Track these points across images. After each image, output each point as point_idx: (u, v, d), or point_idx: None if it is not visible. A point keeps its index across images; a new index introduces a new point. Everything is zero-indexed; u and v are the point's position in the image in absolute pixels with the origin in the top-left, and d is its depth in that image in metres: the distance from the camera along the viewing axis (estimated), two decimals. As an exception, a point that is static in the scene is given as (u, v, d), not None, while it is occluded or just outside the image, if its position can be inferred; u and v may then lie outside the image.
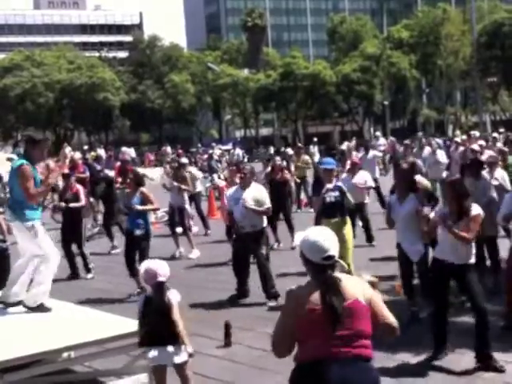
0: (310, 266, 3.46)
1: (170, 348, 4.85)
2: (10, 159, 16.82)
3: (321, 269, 3.40)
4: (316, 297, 3.34)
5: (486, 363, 5.89)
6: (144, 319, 4.94)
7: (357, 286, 3.45)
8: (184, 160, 14.79)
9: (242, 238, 8.85)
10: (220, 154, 31.10)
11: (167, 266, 5.05)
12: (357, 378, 3.29)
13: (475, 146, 13.05)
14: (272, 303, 8.52)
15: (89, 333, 5.51)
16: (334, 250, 3.44)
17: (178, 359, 4.88)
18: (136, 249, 9.43)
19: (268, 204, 8.88)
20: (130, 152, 22.88)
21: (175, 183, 12.75)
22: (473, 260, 6.17)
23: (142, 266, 5.04)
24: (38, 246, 6.36)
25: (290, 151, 19.82)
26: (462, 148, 15.44)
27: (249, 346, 6.89)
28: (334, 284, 3.36)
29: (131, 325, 5.68)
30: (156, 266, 4.97)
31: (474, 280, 6.11)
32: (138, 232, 9.35)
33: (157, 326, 4.85)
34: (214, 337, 7.11)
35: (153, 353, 4.87)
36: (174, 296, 4.97)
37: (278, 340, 3.47)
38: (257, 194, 8.85)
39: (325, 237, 3.47)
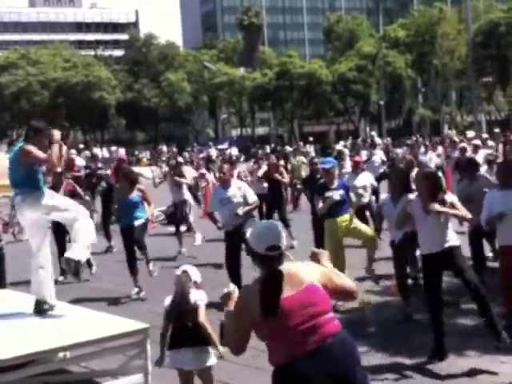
0: (256, 259, 3.47)
1: (196, 351, 4.81)
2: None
3: (265, 260, 3.40)
4: (259, 291, 3.34)
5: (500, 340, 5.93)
6: (170, 321, 4.90)
7: (309, 271, 3.44)
8: (180, 159, 14.99)
9: (231, 234, 8.77)
10: (218, 154, 31.17)
11: (196, 270, 5.06)
12: (334, 358, 3.29)
13: (464, 144, 13.15)
14: None
15: (84, 333, 5.50)
16: (278, 240, 3.42)
17: (201, 364, 4.84)
18: (133, 240, 9.37)
19: (253, 197, 8.88)
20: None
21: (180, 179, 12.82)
22: (457, 242, 6.20)
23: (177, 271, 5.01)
24: (57, 210, 6.17)
25: (288, 148, 19.72)
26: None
27: (244, 346, 6.88)
28: (274, 276, 3.34)
29: (127, 324, 5.68)
30: (188, 270, 4.98)
31: (462, 258, 6.18)
32: (137, 222, 9.34)
33: (182, 328, 4.81)
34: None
35: (177, 356, 4.84)
36: (201, 297, 4.94)
37: (231, 339, 3.54)
38: (240, 191, 8.79)
39: (270, 228, 3.48)
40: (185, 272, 4.94)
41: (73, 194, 10.84)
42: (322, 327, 3.32)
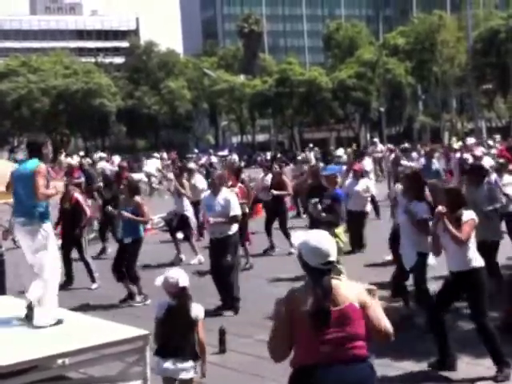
0: (307, 270, 3.49)
1: (182, 361, 4.78)
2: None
3: (318, 273, 3.43)
4: (310, 300, 3.37)
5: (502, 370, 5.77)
6: (164, 328, 4.84)
7: (352, 290, 3.49)
8: (192, 165, 14.83)
9: (213, 244, 8.80)
10: (218, 161, 31.24)
11: (186, 274, 5.01)
12: (352, 379, 3.34)
13: (477, 152, 12.97)
14: (228, 313, 8.43)
15: (83, 339, 5.50)
16: (333, 255, 3.47)
17: (185, 375, 4.81)
18: (124, 256, 9.46)
19: (234, 211, 8.63)
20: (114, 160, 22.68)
21: (178, 187, 12.78)
22: (476, 263, 5.99)
23: (161, 277, 4.92)
24: (43, 256, 6.22)
25: (302, 155, 19.40)
26: (458, 155, 15.39)
27: (243, 353, 6.87)
28: (327, 289, 3.38)
29: (127, 331, 5.68)
30: (176, 273, 4.94)
31: (481, 291, 5.93)
32: (126, 240, 9.44)
33: (178, 337, 4.77)
34: (209, 343, 7.06)
35: (166, 364, 4.80)
36: (199, 311, 4.92)
37: (273, 344, 3.51)
38: (225, 202, 8.67)
39: (325, 242, 3.49)
40: (185, 286, 4.87)
41: (76, 207, 10.55)
42: (351, 349, 3.38)
